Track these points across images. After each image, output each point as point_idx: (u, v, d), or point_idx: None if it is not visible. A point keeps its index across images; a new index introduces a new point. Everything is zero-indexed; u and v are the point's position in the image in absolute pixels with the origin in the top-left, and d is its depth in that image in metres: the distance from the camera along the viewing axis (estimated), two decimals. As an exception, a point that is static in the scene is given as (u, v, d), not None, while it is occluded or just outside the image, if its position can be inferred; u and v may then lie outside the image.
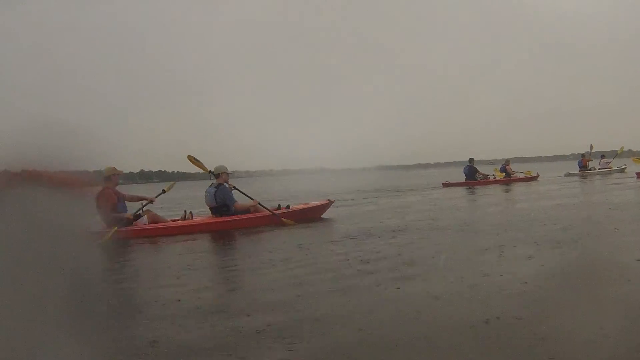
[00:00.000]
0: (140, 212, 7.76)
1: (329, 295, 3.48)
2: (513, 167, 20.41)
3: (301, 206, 8.98)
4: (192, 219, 8.09)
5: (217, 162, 8.46)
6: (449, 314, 2.96)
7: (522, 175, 20.02)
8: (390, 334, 2.65)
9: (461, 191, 16.19)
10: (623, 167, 23.17)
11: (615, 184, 15.43)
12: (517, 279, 3.66)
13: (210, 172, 8.30)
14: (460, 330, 2.65)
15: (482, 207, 10.95)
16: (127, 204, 7.77)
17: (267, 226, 7.86)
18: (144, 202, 7.93)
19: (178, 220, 8.12)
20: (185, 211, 8.22)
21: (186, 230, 7.64)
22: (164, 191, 8.63)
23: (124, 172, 8.41)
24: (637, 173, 17.08)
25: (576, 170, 22.72)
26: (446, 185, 19.13)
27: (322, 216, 9.06)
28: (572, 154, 23.12)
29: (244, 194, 8.47)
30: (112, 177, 7.42)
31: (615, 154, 24.70)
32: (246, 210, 8.19)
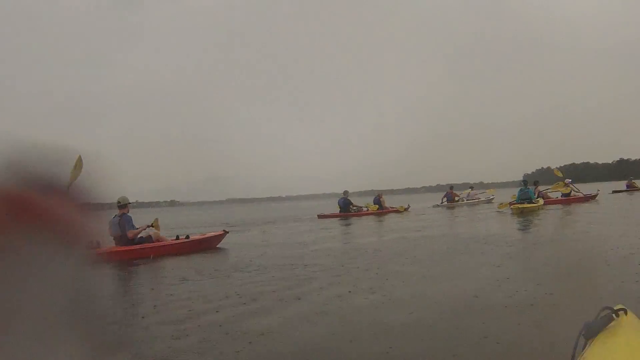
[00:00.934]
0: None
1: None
2: (390, 199, 21.17)
3: (199, 236, 9.65)
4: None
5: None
6: None
7: (394, 208, 20.78)
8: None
9: (333, 223, 16.31)
10: (491, 197, 25.00)
11: (480, 212, 16.62)
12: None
13: (118, 202, 8.46)
14: None
15: (330, 240, 10.98)
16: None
17: (168, 254, 8.45)
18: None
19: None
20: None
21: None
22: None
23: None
24: (500, 204, 18.17)
25: (445, 201, 24.10)
26: (321, 217, 19.27)
27: (218, 246, 9.70)
28: (447, 183, 25.14)
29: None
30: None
31: (484, 186, 26.84)
32: (146, 240, 8.65)
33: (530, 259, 6.49)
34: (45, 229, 0.51)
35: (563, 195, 20.19)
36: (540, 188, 19.62)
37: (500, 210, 16.94)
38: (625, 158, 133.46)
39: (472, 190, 25.80)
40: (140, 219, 8.97)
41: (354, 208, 19.54)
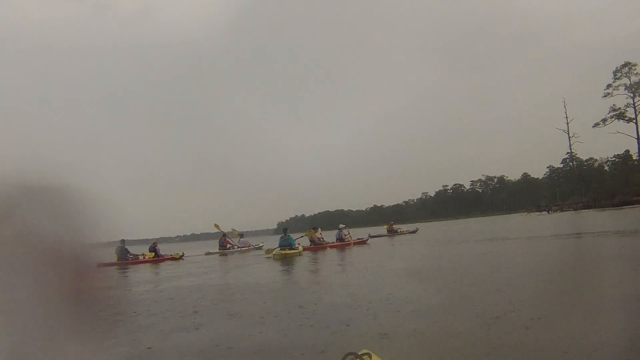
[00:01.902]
0: None
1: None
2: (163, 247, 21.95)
3: None
4: None
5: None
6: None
7: (170, 255, 21.71)
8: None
9: (109, 271, 16.37)
10: (261, 244, 27.33)
11: (248, 258, 18.31)
12: None
13: None
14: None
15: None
16: None
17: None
18: None
19: None
20: None
21: None
22: None
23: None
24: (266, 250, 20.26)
25: (216, 248, 25.62)
26: (99, 266, 18.99)
27: None
28: (229, 231, 26.24)
29: None
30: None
31: (252, 234, 29.29)
32: None
33: (281, 304, 6.76)
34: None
35: (338, 239, 22.31)
36: (294, 235, 21.29)
37: (268, 255, 18.72)
38: (379, 205, 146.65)
39: (242, 237, 27.91)
40: None
41: (131, 256, 19.91)
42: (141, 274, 15.51)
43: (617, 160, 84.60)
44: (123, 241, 20.16)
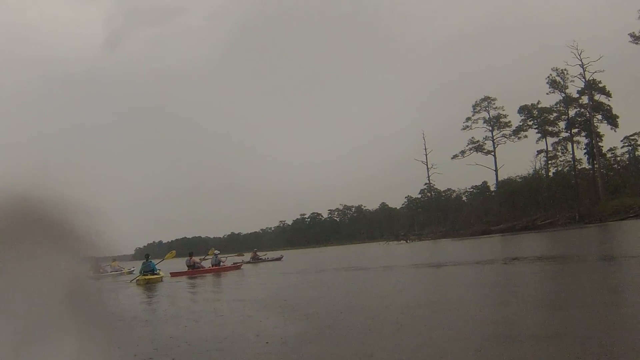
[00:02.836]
0: None
1: None
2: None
3: None
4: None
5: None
6: None
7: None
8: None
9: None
10: (132, 269, 25.70)
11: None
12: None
13: None
14: None
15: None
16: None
17: None
18: None
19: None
20: None
21: None
22: None
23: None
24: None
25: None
26: None
27: None
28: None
29: None
30: None
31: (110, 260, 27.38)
32: None
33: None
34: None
35: (214, 265, 23.37)
36: (155, 261, 20.96)
37: (130, 279, 18.61)
38: (236, 232, 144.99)
39: (114, 261, 26.34)
40: None
41: None
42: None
43: (475, 191, 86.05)
44: None
